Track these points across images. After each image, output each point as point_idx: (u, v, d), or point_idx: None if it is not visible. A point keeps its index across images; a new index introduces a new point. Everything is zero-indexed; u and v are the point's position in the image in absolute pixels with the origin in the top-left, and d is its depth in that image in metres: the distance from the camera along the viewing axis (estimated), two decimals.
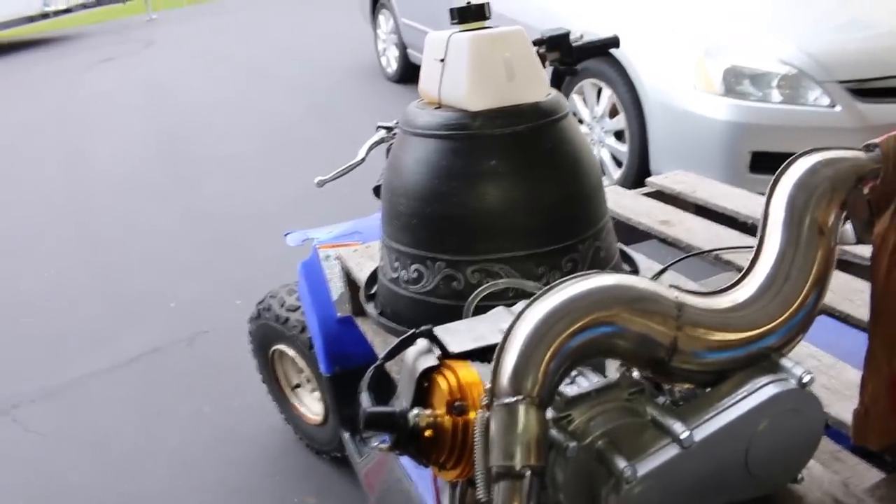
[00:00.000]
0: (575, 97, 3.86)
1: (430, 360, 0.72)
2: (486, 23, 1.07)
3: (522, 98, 1.04)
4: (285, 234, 2.09)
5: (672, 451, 0.66)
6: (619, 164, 3.67)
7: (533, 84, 1.05)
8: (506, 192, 1.03)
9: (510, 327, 0.66)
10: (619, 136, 3.63)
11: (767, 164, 3.05)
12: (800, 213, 0.77)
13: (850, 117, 3.01)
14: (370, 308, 1.20)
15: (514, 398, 0.63)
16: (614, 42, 2.13)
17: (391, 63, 6.27)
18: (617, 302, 0.67)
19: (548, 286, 0.69)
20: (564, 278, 0.69)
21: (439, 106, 1.09)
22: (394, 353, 0.76)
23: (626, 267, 1.23)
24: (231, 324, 2.90)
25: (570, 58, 2.03)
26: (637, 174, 3.40)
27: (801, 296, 0.74)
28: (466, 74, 1.02)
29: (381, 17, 6.34)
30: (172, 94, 7.13)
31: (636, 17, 3.60)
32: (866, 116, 2.96)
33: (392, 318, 1.14)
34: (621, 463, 0.64)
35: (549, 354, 0.64)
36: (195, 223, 4.22)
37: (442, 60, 1.07)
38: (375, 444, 1.71)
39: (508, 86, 1.02)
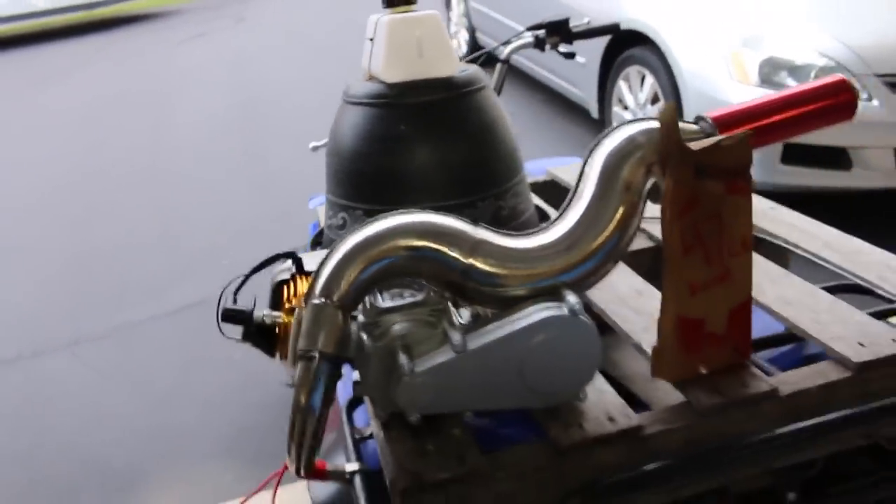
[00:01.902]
0: (621, 83, 3.93)
1: (284, 275, 0.90)
2: (413, 7, 1.23)
3: (433, 73, 1.19)
4: (310, 199, 2.30)
5: (448, 355, 0.81)
6: None
7: (442, 60, 1.20)
8: (413, 153, 1.18)
9: (332, 247, 0.83)
10: None
11: (799, 155, 3.06)
12: (611, 172, 0.90)
13: (889, 111, 3.00)
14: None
15: (322, 300, 0.80)
16: (613, 28, 2.25)
17: (461, 45, 6.44)
18: (415, 233, 0.82)
19: (371, 218, 0.85)
20: (385, 213, 0.85)
21: (371, 79, 1.25)
22: (258, 268, 0.94)
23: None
24: None
25: (568, 42, 2.16)
26: None
27: (598, 242, 0.87)
28: (383, 51, 1.18)
29: (453, 2, 6.55)
30: (255, 69, 7.49)
31: (677, 5, 3.64)
32: None
33: None
34: (403, 360, 0.80)
35: (355, 271, 0.81)
36: (259, 192, 4.51)
37: (372, 39, 1.23)
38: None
39: (419, 61, 1.18)
